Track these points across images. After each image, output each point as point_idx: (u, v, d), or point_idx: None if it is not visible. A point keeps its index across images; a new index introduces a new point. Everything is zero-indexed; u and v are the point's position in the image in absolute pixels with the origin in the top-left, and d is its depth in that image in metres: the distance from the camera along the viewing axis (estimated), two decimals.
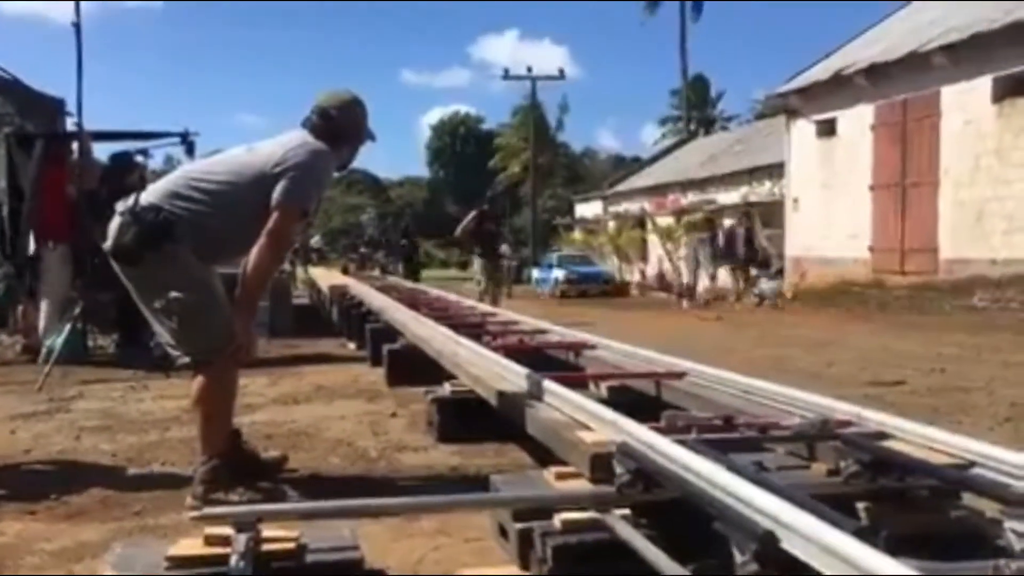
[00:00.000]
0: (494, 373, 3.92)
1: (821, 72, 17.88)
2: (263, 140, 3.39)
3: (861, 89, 16.51)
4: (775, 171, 20.80)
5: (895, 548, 2.20)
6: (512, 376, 3.74)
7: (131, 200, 3.17)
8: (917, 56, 15.03)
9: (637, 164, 40.08)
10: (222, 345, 3.13)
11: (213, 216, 3.15)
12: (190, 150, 7.85)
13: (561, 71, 36.95)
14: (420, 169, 75.77)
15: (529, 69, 36.22)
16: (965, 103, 14.35)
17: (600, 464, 2.40)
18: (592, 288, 23.50)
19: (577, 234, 33.94)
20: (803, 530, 1.62)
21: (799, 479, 2.40)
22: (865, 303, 15.07)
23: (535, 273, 28.04)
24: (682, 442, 2.38)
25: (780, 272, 19.27)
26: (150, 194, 3.20)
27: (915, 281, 15.04)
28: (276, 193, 3.11)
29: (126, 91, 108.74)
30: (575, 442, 2.58)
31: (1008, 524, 1.89)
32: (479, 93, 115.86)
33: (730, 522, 1.86)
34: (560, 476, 2.51)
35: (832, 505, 2.32)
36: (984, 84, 14.00)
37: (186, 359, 3.22)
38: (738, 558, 1.70)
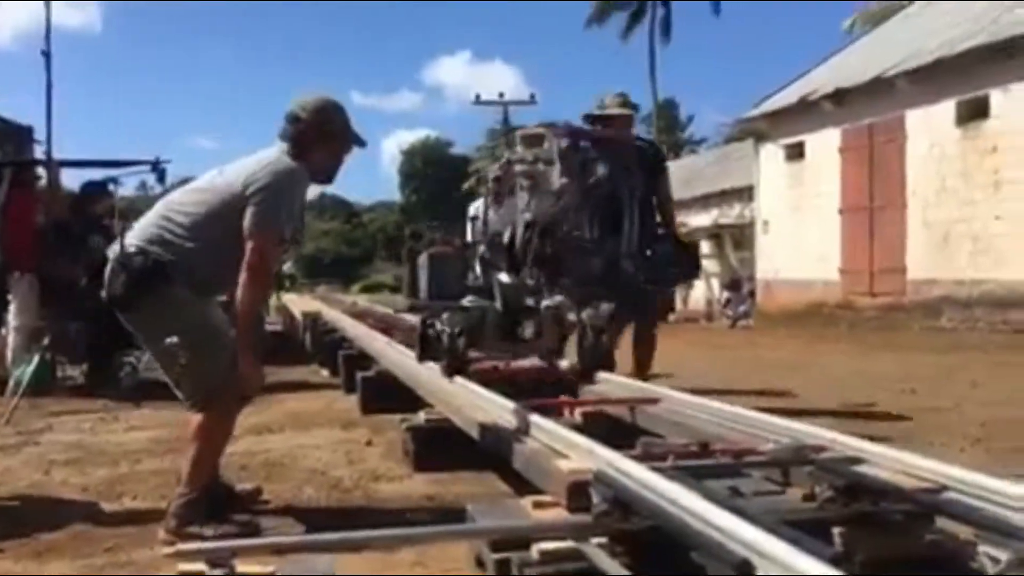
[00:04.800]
0: (470, 402, 3.93)
1: (788, 97, 18.12)
2: (225, 163, 3.33)
3: (827, 113, 16.75)
4: (745, 194, 21.01)
5: (870, 573, 2.24)
6: (487, 404, 3.75)
7: (117, 245, 3.13)
8: (881, 81, 15.28)
9: None
10: (225, 387, 3.07)
11: (199, 250, 3.10)
12: (161, 177, 7.81)
13: (532, 96, 37.24)
14: (390, 193, 75.82)
15: (501, 95, 36.50)
16: (930, 126, 14.60)
17: (577, 493, 2.40)
18: None
19: None
20: (779, 558, 1.63)
21: (774, 504, 2.41)
22: (836, 324, 15.21)
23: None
24: (658, 469, 2.40)
25: (752, 294, 19.43)
26: (134, 236, 3.15)
27: (884, 302, 15.20)
28: (246, 222, 3.06)
29: (75, 116, 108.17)
30: (552, 471, 2.59)
31: (982, 548, 1.92)
32: (432, 116, 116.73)
33: (706, 551, 1.88)
34: (537, 505, 2.51)
35: (807, 530, 2.34)
36: (947, 108, 14.25)
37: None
38: None
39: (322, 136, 3.25)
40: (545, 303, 3.72)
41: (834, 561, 1.64)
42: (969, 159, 13.98)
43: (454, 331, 3.57)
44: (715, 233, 22.89)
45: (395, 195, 71.64)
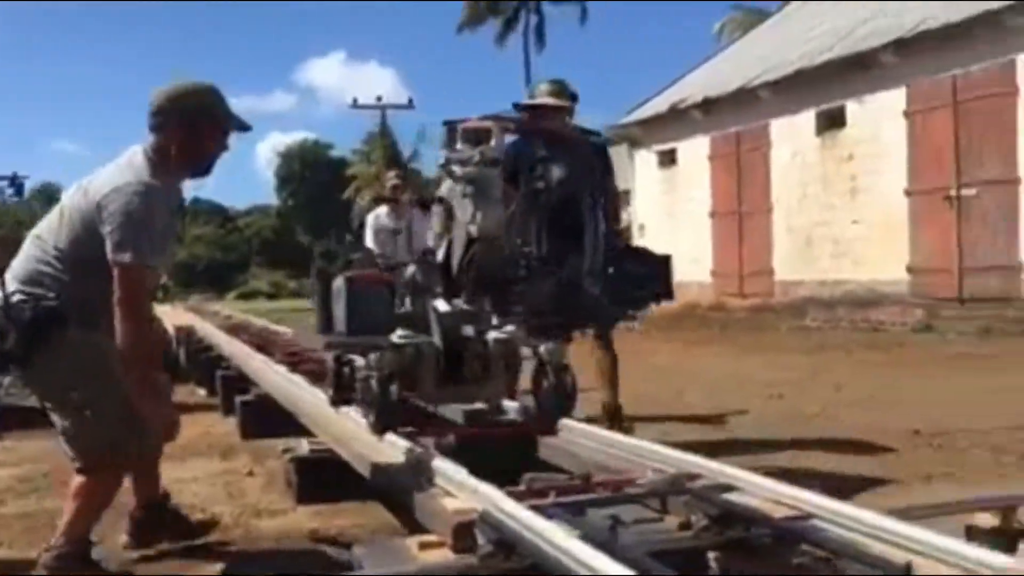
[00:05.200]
0: (354, 432, 3.88)
1: (659, 104, 18.67)
2: (90, 169, 3.14)
3: (697, 121, 17.34)
4: (623, 198, 21.51)
5: None
6: (373, 436, 3.72)
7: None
8: (746, 91, 15.93)
9: None
10: (119, 449, 2.92)
11: (78, 280, 2.90)
12: (19, 191, 7.48)
13: (410, 100, 37.10)
14: (266, 197, 74.06)
15: (379, 98, 36.16)
16: (792, 135, 15.30)
17: (463, 534, 2.42)
18: None
19: None
20: None
21: (652, 533, 2.51)
22: (709, 325, 15.75)
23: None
24: (539, 507, 2.45)
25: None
26: (14, 278, 2.94)
27: (754, 303, 15.84)
28: (108, 252, 2.84)
29: None
30: (438, 511, 2.59)
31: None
32: (308, 118, 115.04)
33: None
34: (423, 546, 2.51)
35: (684, 557, 2.45)
36: (808, 117, 14.99)
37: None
38: None
39: (188, 122, 2.99)
40: (493, 335, 3.26)
41: None
42: (828, 166, 14.73)
43: (384, 376, 3.10)
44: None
45: (272, 199, 70.09)
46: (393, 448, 3.43)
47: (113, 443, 2.91)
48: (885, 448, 4.66)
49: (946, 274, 12.70)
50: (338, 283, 3.45)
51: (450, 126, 3.42)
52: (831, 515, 2.32)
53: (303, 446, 4.13)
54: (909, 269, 13.26)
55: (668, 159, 18.57)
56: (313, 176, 64.47)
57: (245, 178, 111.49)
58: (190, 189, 3.43)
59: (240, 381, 6.55)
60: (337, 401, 3.62)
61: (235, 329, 10.60)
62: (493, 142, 3.16)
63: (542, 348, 3.29)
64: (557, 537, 2.13)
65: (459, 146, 3.23)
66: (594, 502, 2.61)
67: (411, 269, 3.53)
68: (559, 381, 3.27)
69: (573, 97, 4.94)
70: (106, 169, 3.04)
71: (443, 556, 2.41)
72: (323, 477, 3.96)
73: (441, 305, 3.28)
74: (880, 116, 13.67)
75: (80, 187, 3.03)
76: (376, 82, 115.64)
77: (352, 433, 3.87)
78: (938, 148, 12.75)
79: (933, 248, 12.92)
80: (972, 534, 2.72)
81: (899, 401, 6.40)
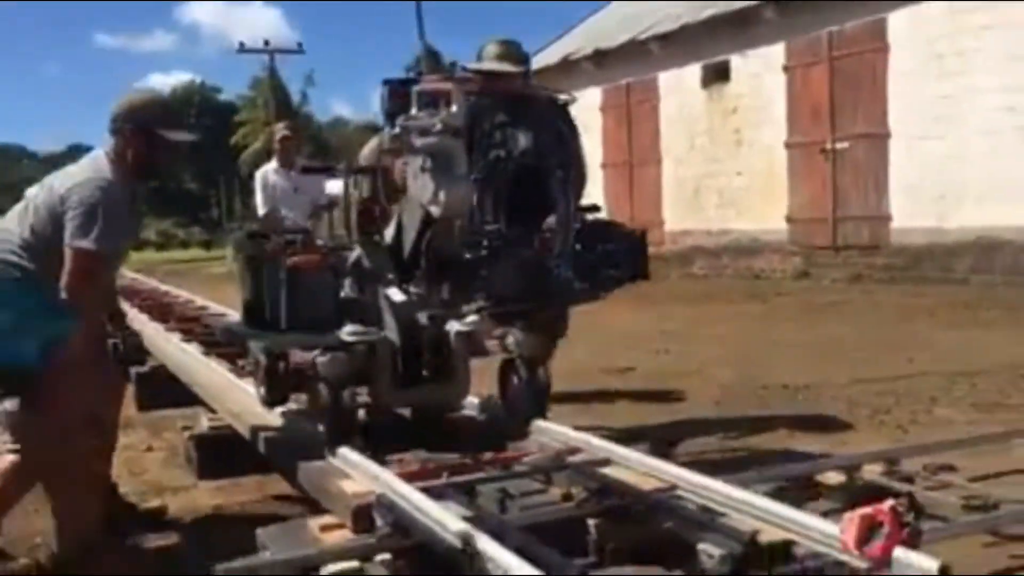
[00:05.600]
0: (253, 409, 3.98)
1: (551, 55, 18.78)
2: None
3: (589, 73, 17.55)
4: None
5: (621, 559, 2.61)
6: (272, 413, 3.83)
7: None
8: (635, 44, 16.22)
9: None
10: (71, 439, 2.97)
11: (47, 271, 2.98)
12: None
13: (300, 44, 36.14)
14: None
15: (266, 43, 35.09)
16: (679, 88, 15.70)
17: (361, 516, 2.60)
18: None
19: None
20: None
21: (538, 506, 2.74)
22: None
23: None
24: (430, 488, 2.65)
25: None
26: None
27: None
28: (66, 237, 2.95)
29: None
30: (337, 494, 2.76)
31: (700, 545, 2.31)
32: (189, 58, 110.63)
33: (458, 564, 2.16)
34: (324, 528, 2.69)
35: (567, 525, 2.70)
36: (694, 71, 15.38)
37: None
38: None
39: (140, 131, 3.15)
40: (456, 327, 2.96)
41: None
42: (714, 119, 15.19)
43: (334, 381, 2.82)
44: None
45: None
46: (291, 424, 3.56)
47: (63, 437, 2.97)
48: (751, 405, 5.02)
49: (822, 223, 13.37)
50: (272, 272, 3.14)
51: (392, 86, 3.10)
52: (692, 487, 2.60)
53: (202, 422, 4.21)
54: (788, 219, 13.89)
55: None
56: (200, 121, 62.23)
57: None
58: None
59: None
60: (271, 401, 3.31)
61: (129, 293, 10.37)
62: (454, 107, 2.74)
63: (510, 339, 2.99)
64: (444, 518, 2.35)
65: (413, 110, 2.81)
66: (484, 480, 2.83)
67: (355, 252, 3.20)
68: (532, 376, 2.97)
69: (525, 60, 4.18)
70: (71, 167, 3.21)
71: (343, 537, 2.59)
72: (223, 452, 4.06)
73: (395, 294, 2.96)
74: (761, 71, 14.15)
75: (45, 184, 3.17)
76: (261, 22, 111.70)
77: (249, 407, 3.97)
78: (815, 102, 13.32)
79: (810, 199, 13.56)
80: (821, 490, 3.07)
81: (772, 355, 6.84)
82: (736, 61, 14.68)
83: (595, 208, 4.20)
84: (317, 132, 58.03)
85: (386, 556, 2.48)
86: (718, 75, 15.06)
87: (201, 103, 63.66)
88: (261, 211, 6.83)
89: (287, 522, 2.89)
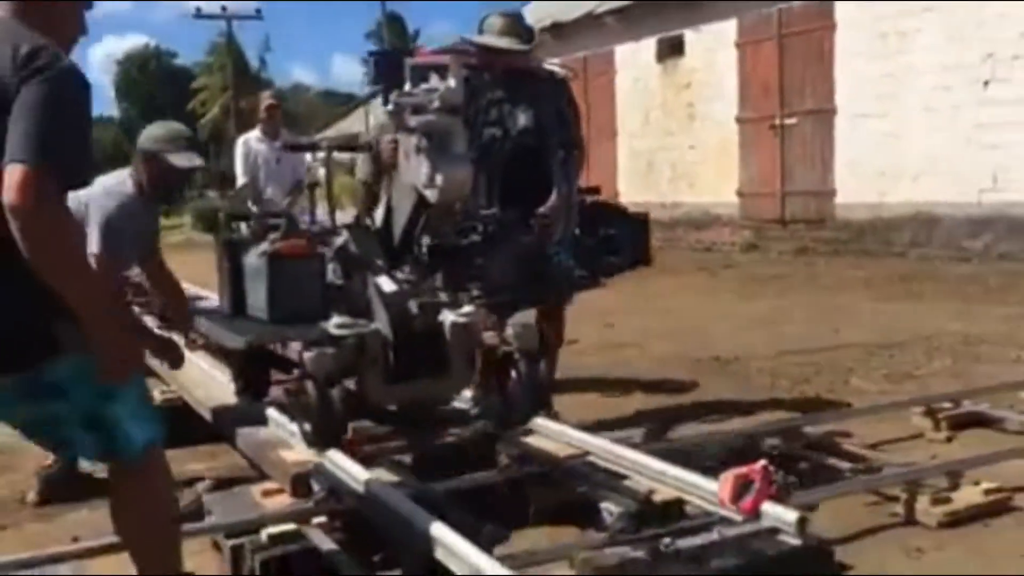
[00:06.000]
0: (202, 381, 4.17)
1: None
2: None
3: (546, 45, 17.60)
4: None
5: (539, 518, 2.87)
6: (219, 386, 4.02)
7: None
8: (592, 17, 16.35)
9: (346, 103, 39.85)
10: None
11: None
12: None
13: (258, 11, 35.66)
14: (105, 107, 69.84)
15: (223, 8, 34.59)
16: (635, 62, 15.88)
17: (300, 482, 2.83)
18: None
19: None
20: (443, 540, 2.15)
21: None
22: None
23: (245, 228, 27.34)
24: (367, 456, 2.88)
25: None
26: None
27: None
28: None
29: None
30: (278, 462, 2.98)
31: (603, 504, 2.57)
32: (144, 21, 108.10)
33: (394, 533, 2.39)
34: (266, 493, 2.91)
35: (489, 489, 2.94)
36: (649, 45, 15.57)
37: None
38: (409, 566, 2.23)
39: (148, 159, 3.54)
40: (451, 318, 2.74)
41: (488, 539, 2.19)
42: (668, 93, 15.41)
43: (322, 378, 2.62)
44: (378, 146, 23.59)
45: (111, 109, 66.20)
46: (236, 398, 3.77)
47: None
48: (687, 377, 5.30)
49: (771, 197, 13.69)
50: (254, 259, 2.93)
51: (377, 58, 3.11)
52: (604, 453, 2.86)
53: (154, 395, 4.38)
54: (739, 193, 14.20)
55: None
56: (155, 86, 61.23)
57: None
58: None
59: None
60: (247, 391, 3.22)
61: None
62: (452, 82, 2.56)
63: (509, 331, 2.81)
64: (374, 485, 2.58)
65: (407, 86, 2.68)
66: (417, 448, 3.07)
67: (343, 237, 3.00)
68: (531, 371, 2.82)
69: (531, 36, 3.90)
70: (99, 180, 3.54)
71: (283, 502, 2.83)
72: (174, 423, 4.24)
73: (386, 283, 2.73)
74: (714, 46, 14.38)
75: (75, 196, 3.39)
76: None
77: (198, 381, 4.17)
78: (765, 79, 13.59)
79: (760, 173, 13.87)
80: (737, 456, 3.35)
81: (711, 327, 7.14)
82: (690, 36, 14.89)
83: (595, 190, 3.90)
84: (283, 100, 57.49)
85: (322, 519, 2.72)
86: (673, 50, 15.26)
87: (157, 69, 62.65)
88: (241, 180, 6.59)
89: (231, 488, 3.11)
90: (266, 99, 7.06)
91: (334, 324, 2.68)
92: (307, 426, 2.75)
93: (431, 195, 2.61)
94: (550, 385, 2.95)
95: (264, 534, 2.64)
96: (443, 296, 2.87)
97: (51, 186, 1.74)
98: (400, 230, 2.88)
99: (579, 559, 2.07)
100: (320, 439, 2.71)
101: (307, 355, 2.65)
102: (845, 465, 3.27)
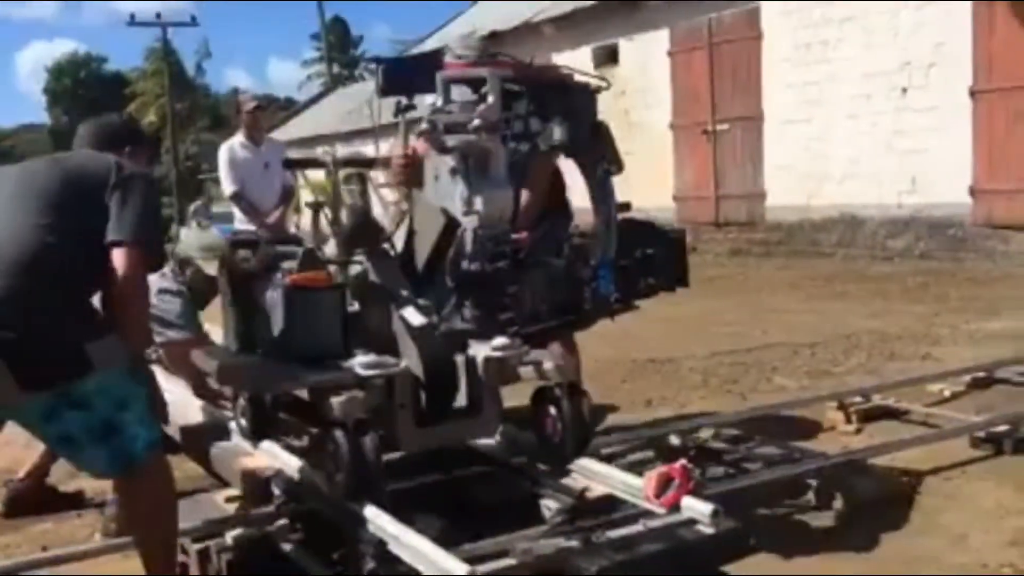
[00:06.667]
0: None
1: (449, 35, 19.08)
2: None
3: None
4: (415, 125, 21.91)
5: (484, 514, 3.10)
6: (178, 399, 4.17)
7: None
8: (530, 26, 16.67)
9: (286, 108, 39.65)
10: None
11: None
12: None
13: (193, 18, 35.32)
14: (35, 114, 68.25)
15: (158, 15, 34.24)
16: None
17: (261, 487, 3.03)
18: None
19: None
20: (400, 537, 2.38)
21: (418, 471, 3.20)
22: None
23: (184, 233, 27.07)
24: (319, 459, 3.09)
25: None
26: None
27: None
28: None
29: None
30: (239, 469, 3.18)
31: (543, 501, 2.82)
32: (73, 27, 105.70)
33: (352, 532, 2.61)
34: (229, 499, 3.11)
35: (442, 487, 3.15)
36: (586, 53, 15.92)
37: None
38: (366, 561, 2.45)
39: None
40: (483, 353, 2.55)
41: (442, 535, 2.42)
42: (606, 100, 15.70)
43: (353, 426, 2.37)
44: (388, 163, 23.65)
45: (42, 116, 64.73)
46: (197, 412, 3.94)
47: None
48: (623, 378, 5.60)
49: (705, 201, 14.14)
50: (271, 292, 2.64)
51: (385, 67, 2.76)
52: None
53: None
54: (675, 197, 14.63)
55: None
56: (88, 92, 60.06)
57: (9, 94, 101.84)
58: None
59: None
60: (257, 435, 3.03)
61: None
62: (491, 98, 2.41)
63: (547, 365, 2.63)
64: (321, 484, 2.80)
65: (437, 101, 2.51)
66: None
67: (360, 266, 2.72)
68: (575, 407, 2.61)
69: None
70: None
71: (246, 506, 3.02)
72: None
73: (413, 316, 2.51)
74: (648, 55, 14.79)
75: None
76: None
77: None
78: (696, 86, 14.03)
79: (694, 178, 14.32)
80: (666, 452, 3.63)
81: (648, 330, 7.44)
82: (624, 45, 15.29)
83: (626, 206, 3.54)
84: (214, 104, 56.86)
85: (283, 522, 2.93)
86: (608, 58, 15.64)
87: (88, 75, 61.44)
88: (229, 190, 6.11)
89: (195, 495, 3.29)
90: (248, 102, 6.40)
91: (360, 364, 2.45)
92: (341, 480, 2.46)
93: (469, 221, 2.45)
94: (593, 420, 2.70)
95: (229, 536, 2.84)
96: (471, 327, 2.71)
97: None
98: (425, 256, 2.66)
99: (520, 549, 2.32)
100: (356, 491, 2.46)
101: (335, 400, 2.41)
102: (764, 456, 3.58)
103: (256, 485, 3.03)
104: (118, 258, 2.25)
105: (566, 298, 3.13)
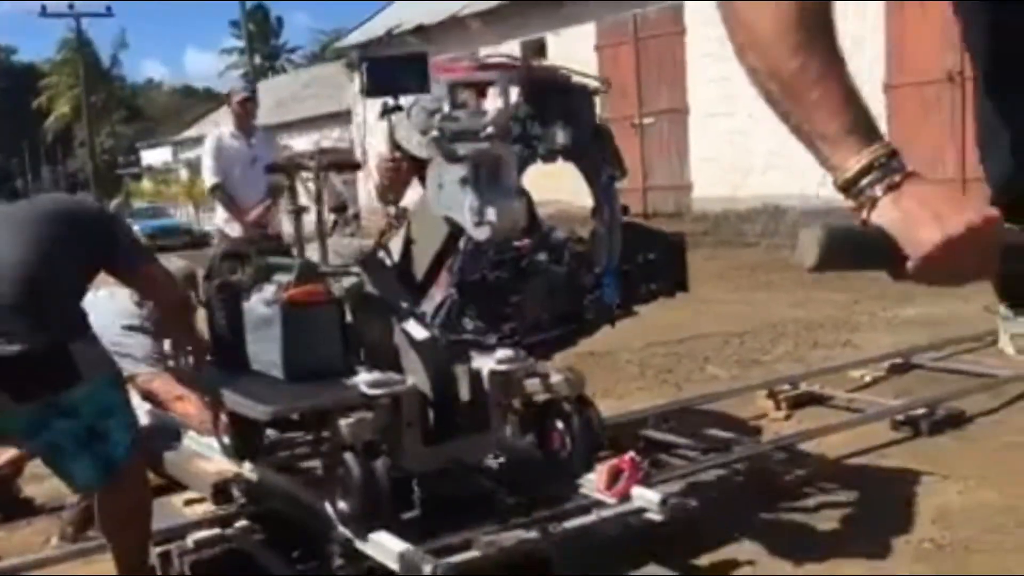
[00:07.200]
0: None
1: (376, 28, 19.05)
2: None
3: (413, 47, 17.90)
4: (343, 118, 21.79)
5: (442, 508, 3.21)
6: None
7: None
8: (456, 20, 16.73)
9: (208, 102, 38.88)
10: None
11: None
12: None
13: (109, 8, 34.27)
14: None
15: (71, 6, 33.16)
16: None
17: (222, 491, 3.10)
18: (172, 242, 22.85)
19: (147, 184, 32.39)
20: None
21: None
22: None
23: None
24: (283, 466, 3.18)
25: (357, 216, 20.42)
26: None
27: None
28: None
29: None
30: (199, 473, 3.24)
31: (498, 496, 2.96)
32: None
33: (319, 529, 2.71)
34: (188, 502, 3.17)
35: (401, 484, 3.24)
36: (513, 48, 16.04)
37: None
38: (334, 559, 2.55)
39: None
40: (488, 366, 2.50)
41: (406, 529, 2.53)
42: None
43: (363, 448, 2.29)
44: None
45: None
46: (147, 416, 3.96)
47: None
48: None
49: (635, 192, 14.42)
50: (259, 306, 2.53)
51: (371, 66, 2.55)
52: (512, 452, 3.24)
53: None
54: None
55: None
56: None
57: None
58: None
59: None
60: (242, 453, 2.93)
61: None
62: (500, 103, 2.37)
63: (555, 378, 2.57)
64: (284, 485, 2.91)
65: (444, 106, 2.40)
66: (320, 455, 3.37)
67: (356, 279, 2.60)
68: (584, 421, 2.56)
69: None
70: None
71: (206, 508, 3.09)
72: None
73: (416, 329, 2.43)
74: (575, 49, 14.97)
75: None
76: None
77: None
78: (623, 80, 14.28)
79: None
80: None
81: None
82: (552, 39, 15.47)
83: (624, 210, 3.45)
84: (129, 95, 55.41)
85: (244, 522, 3.01)
86: (536, 53, 15.78)
87: None
88: (211, 181, 5.79)
89: (155, 499, 3.34)
90: (238, 92, 6.11)
91: (366, 382, 2.37)
92: (352, 506, 2.35)
93: (480, 232, 2.32)
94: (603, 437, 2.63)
95: (190, 539, 2.90)
96: (473, 338, 2.66)
97: None
98: (425, 266, 2.58)
99: (484, 542, 2.45)
100: (367, 517, 2.37)
101: (344, 423, 2.31)
102: (701, 445, 3.77)
103: (217, 487, 3.10)
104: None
105: (568, 306, 3.01)
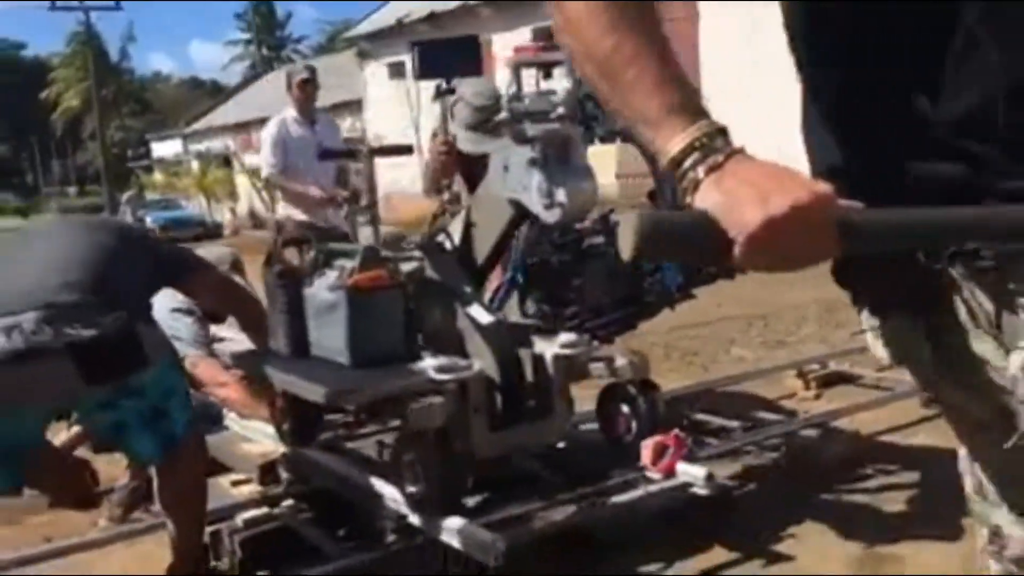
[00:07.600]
0: None
1: (386, 18, 19.07)
2: None
3: (423, 35, 17.92)
4: (354, 107, 21.81)
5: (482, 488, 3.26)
6: None
7: None
8: (467, 8, 16.73)
9: (214, 93, 38.95)
10: None
11: None
12: None
13: (117, 2, 34.33)
14: None
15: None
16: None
17: (268, 470, 3.15)
18: (185, 234, 22.93)
19: (158, 176, 32.49)
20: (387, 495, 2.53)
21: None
22: None
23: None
24: (327, 444, 3.23)
25: (374, 205, 20.47)
26: None
27: None
28: None
29: None
30: (245, 455, 3.29)
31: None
32: None
33: (371, 507, 2.76)
34: (235, 483, 3.23)
35: None
36: (525, 33, 16.07)
37: None
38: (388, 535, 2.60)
39: None
40: (552, 351, 2.46)
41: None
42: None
43: (437, 434, 2.29)
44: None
45: None
46: (199, 404, 4.01)
47: None
48: None
49: (650, 178, 14.45)
50: (322, 292, 2.52)
51: (420, 48, 2.54)
52: None
53: None
54: (617, 175, 14.90)
55: (398, 71, 19.09)
56: (5, 79, 58.16)
57: None
58: None
59: None
60: (297, 440, 2.93)
61: None
62: (568, 83, 2.30)
63: (620, 361, 2.58)
64: (334, 465, 2.95)
65: (500, 88, 2.35)
66: (363, 435, 3.42)
67: (415, 263, 2.59)
68: (651, 406, 2.55)
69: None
70: None
71: (254, 489, 3.15)
72: None
73: (481, 314, 2.41)
74: None
75: None
76: None
77: None
78: None
79: (636, 155, 14.60)
80: None
81: None
82: None
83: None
84: (138, 88, 55.51)
85: (291, 502, 3.07)
86: (547, 40, 15.79)
87: (4, 62, 59.46)
88: (269, 167, 5.39)
89: None
90: (299, 73, 5.63)
91: (433, 367, 2.35)
92: (428, 493, 2.35)
93: (550, 215, 2.28)
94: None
95: (239, 519, 2.96)
96: (536, 322, 2.65)
97: None
98: (488, 250, 2.54)
99: (538, 516, 2.49)
100: (445, 502, 2.37)
101: (415, 408, 2.30)
102: (735, 424, 3.81)
103: (263, 468, 3.16)
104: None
105: (628, 289, 2.99)
